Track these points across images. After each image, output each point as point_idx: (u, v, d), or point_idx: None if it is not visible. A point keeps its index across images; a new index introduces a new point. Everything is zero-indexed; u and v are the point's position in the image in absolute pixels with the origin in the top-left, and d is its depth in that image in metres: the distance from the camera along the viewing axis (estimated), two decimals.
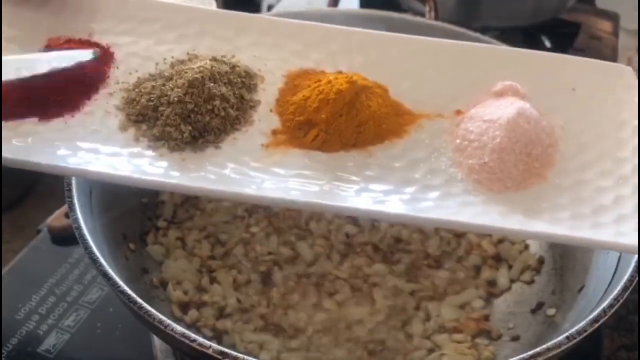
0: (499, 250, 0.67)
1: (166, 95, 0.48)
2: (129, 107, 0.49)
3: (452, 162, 0.47)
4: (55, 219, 0.74)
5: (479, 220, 0.43)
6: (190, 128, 0.47)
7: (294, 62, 0.53)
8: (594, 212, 0.44)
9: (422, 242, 0.67)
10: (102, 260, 0.48)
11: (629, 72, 0.52)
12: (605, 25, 1.21)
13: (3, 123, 0.45)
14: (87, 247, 0.49)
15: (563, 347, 0.44)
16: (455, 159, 0.47)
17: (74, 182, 0.53)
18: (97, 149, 0.46)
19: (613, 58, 1.15)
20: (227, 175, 0.45)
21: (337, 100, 0.48)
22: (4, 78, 0.44)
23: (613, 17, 1.25)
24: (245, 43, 0.54)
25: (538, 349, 0.44)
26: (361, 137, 0.48)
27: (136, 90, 0.50)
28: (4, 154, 0.44)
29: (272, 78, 0.52)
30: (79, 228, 0.50)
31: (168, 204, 0.68)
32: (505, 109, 0.47)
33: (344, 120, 0.48)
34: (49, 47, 0.51)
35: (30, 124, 0.47)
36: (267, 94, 0.51)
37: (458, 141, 0.48)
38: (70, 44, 0.52)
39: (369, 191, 0.45)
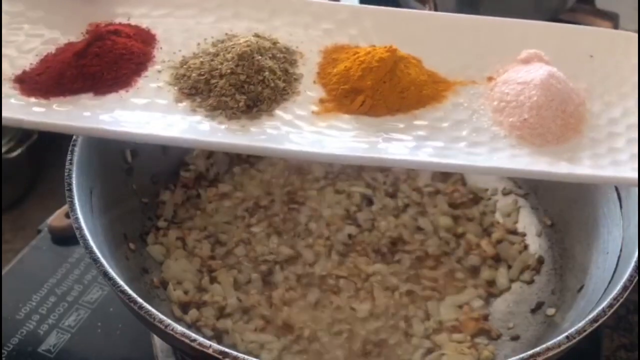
0: (498, 251, 0.67)
1: (217, 69, 0.51)
2: (181, 82, 0.52)
3: (494, 122, 0.51)
4: (56, 218, 0.74)
5: (533, 167, 0.47)
6: (245, 97, 0.50)
7: (328, 39, 0.57)
8: (630, 159, 0.48)
9: (421, 242, 0.67)
10: (102, 260, 0.48)
11: (635, 37, 0.56)
12: (605, 26, 1.21)
13: (63, 98, 0.50)
14: (87, 247, 0.49)
15: (563, 347, 0.45)
16: (496, 118, 0.51)
17: (74, 182, 0.53)
18: (160, 118, 0.49)
19: None
20: (288, 136, 0.49)
21: (380, 68, 0.51)
22: None
23: (613, 18, 1.25)
24: (280, 24, 0.57)
25: (538, 349, 0.44)
26: (405, 102, 0.51)
27: (184, 67, 0.53)
28: (74, 124, 0.48)
29: (310, 54, 0.56)
30: (79, 228, 0.50)
31: (168, 204, 0.68)
32: (536, 72, 0.51)
33: (388, 87, 0.51)
34: (90, 32, 0.55)
35: (88, 99, 0.50)
36: (307, 68, 0.55)
37: (495, 103, 0.52)
38: (111, 27, 0.55)
39: (424, 147, 0.49)
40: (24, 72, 0.52)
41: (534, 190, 0.71)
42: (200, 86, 0.51)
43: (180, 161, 0.72)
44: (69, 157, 0.55)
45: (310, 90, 0.53)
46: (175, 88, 0.52)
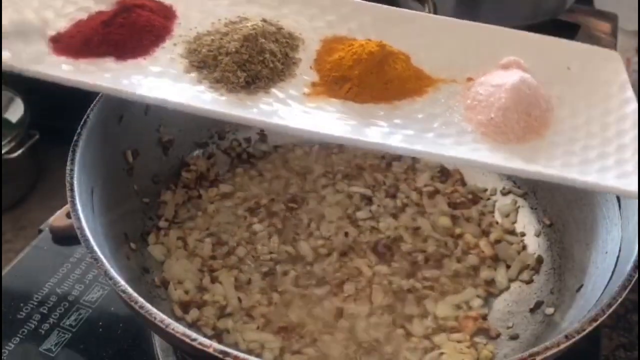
0: (496, 251, 0.67)
1: (224, 47, 0.56)
2: (192, 56, 0.57)
3: (464, 118, 0.55)
4: (57, 218, 0.74)
5: (488, 160, 0.51)
6: (245, 74, 0.55)
7: (329, 30, 0.61)
8: (580, 163, 0.51)
9: (421, 242, 0.67)
10: (103, 259, 0.48)
11: (616, 56, 0.61)
12: (604, 26, 1.22)
13: (89, 60, 0.55)
14: (88, 247, 0.49)
15: (562, 346, 0.45)
16: (467, 115, 0.55)
17: (75, 182, 0.53)
18: (169, 85, 0.54)
19: None
20: (277, 112, 0.53)
21: (368, 60, 0.56)
22: None
23: (612, 18, 1.25)
24: (288, 12, 0.62)
25: (537, 348, 0.44)
26: (388, 92, 0.56)
27: (197, 42, 0.58)
28: (96, 82, 0.53)
29: (311, 42, 0.60)
30: (80, 228, 0.50)
31: (169, 204, 0.69)
32: (510, 77, 0.55)
33: (374, 78, 0.56)
34: (118, 3, 0.59)
35: (110, 62, 0.55)
36: (306, 54, 0.59)
37: (469, 101, 0.56)
38: (137, 1, 0.59)
39: (397, 134, 0.52)
40: (58, 34, 0.57)
41: (533, 190, 0.71)
42: (209, 61, 0.56)
43: (181, 161, 0.72)
44: (70, 157, 0.55)
45: (305, 74, 0.57)
46: (187, 60, 0.56)
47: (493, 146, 0.52)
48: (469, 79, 0.58)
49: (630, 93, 0.57)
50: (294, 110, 0.53)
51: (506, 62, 0.58)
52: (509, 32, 0.62)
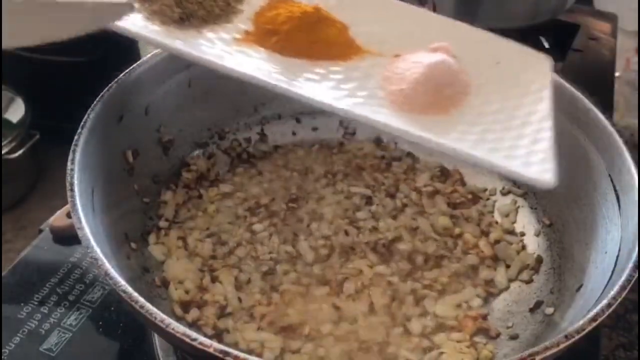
0: (495, 251, 0.67)
1: None
2: None
3: (378, 86, 0.57)
4: (57, 218, 0.74)
5: (382, 119, 0.53)
6: (179, 11, 0.58)
7: None
8: (475, 141, 0.54)
9: (420, 242, 0.67)
10: (104, 259, 0.48)
11: (546, 59, 0.64)
12: (604, 27, 1.22)
13: None
14: (89, 247, 0.49)
15: (561, 346, 0.45)
16: (382, 84, 0.57)
17: (75, 182, 0.53)
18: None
19: (611, 59, 1.15)
20: (200, 46, 0.56)
21: (301, 19, 0.59)
22: None
23: (611, 18, 1.25)
24: None
25: (536, 348, 0.44)
26: (312, 52, 0.58)
27: None
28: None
29: None
30: (80, 228, 0.50)
31: (170, 203, 0.69)
32: (432, 57, 0.58)
33: (302, 36, 0.59)
34: None
35: None
36: (251, 7, 0.62)
37: (388, 73, 0.58)
38: None
39: (308, 85, 0.55)
40: None
41: (532, 190, 0.71)
42: None
43: (181, 161, 0.72)
44: (70, 157, 0.55)
45: (242, 23, 0.60)
46: None
47: (395, 111, 0.54)
48: (396, 56, 0.60)
49: (547, 93, 0.59)
50: (217, 48, 0.56)
51: (436, 46, 0.60)
52: (452, 23, 0.65)
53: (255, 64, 0.56)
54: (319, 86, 0.55)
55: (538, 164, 0.53)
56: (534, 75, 0.62)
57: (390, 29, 0.63)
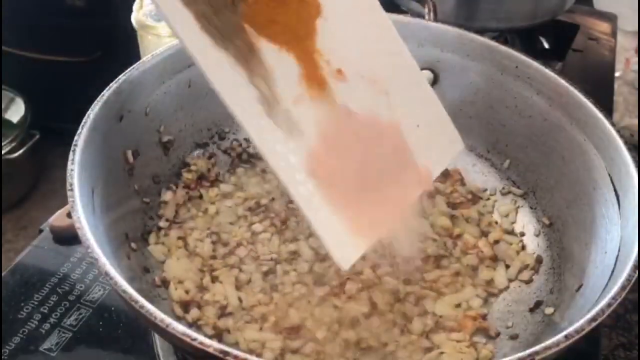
0: (495, 251, 0.67)
1: None
2: None
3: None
4: (58, 218, 0.74)
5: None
6: None
7: None
8: None
9: (421, 242, 0.67)
10: (104, 259, 0.48)
11: (460, 144, 0.62)
12: (604, 27, 1.22)
13: None
14: (89, 247, 0.49)
15: (561, 346, 0.45)
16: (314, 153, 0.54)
17: (76, 182, 0.53)
18: None
19: (611, 59, 1.15)
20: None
21: None
22: None
23: (611, 19, 1.25)
24: None
25: (536, 348, 0.44)
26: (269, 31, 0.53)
27: None
28: None
29: None
30: (81, 227, 0.50)
31: (170, 203, 0.69)
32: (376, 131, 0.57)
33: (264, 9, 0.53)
34: None
35: None
36: None
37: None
38: None
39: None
40: None
41: (532, 190, 0.71)
42: None
43: (181, 161, 0.72)
44: (70, 157, 0.55)
45: None
46: None
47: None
48: (338, 71, 0.55)
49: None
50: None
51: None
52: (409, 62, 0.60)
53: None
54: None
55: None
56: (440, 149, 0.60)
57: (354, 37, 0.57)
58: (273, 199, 0.70)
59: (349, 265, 0.53)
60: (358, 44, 0.57)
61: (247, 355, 0.42)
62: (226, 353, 0.42)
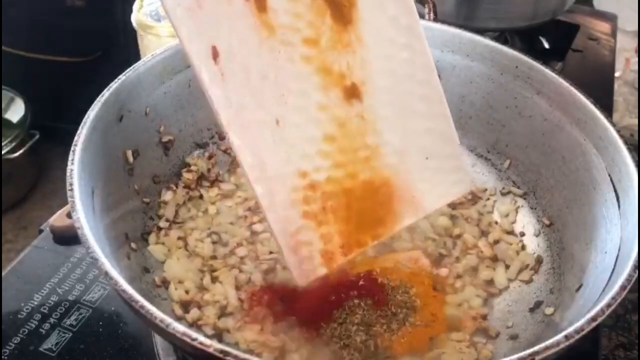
0: (495, 252, 0.67)
1: None
2: None
3: None
4: (58, 218, 0.74)
5: None
6: None
7: None
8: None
9: (420, 242, 0.67)
10: (104, 259, 0.48)
11: (468, 183, 0.62)
12: (604, 27, 1.22)
13: None
14: (89, 247, 0.49)
15: (561, 346, 0.45)
16: None
17: (76, 182, 0.53)
18: None
19: (611, 59, 1.15)
20: None
21: None
22: None
23: (611, 19, 1.25)
24: None
25: (536, 348, 0.44)
26: None
27: None
28: None
29: None
30: (81, 228, 0.50)
31: (170, 204, 0.69)
32: None
33: None
34: None
35: None
36: None
37: None
38: None
39: None
40: None
41: (532, 190, 0.71)
42: None
43: (181, 161, 0.72)
44: (70, 157, 0.55)
45: None
46: None
47: None
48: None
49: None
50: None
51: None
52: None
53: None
54: None
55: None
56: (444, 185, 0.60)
57: None
58: None
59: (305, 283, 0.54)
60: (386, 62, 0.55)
61: (247, 356, 0.42)
62: (226, 353, 0.42)
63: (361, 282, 0.61)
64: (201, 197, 0.71)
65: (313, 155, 0.53)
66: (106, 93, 0.61)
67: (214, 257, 0.65)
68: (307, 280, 0.54)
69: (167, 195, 0.69)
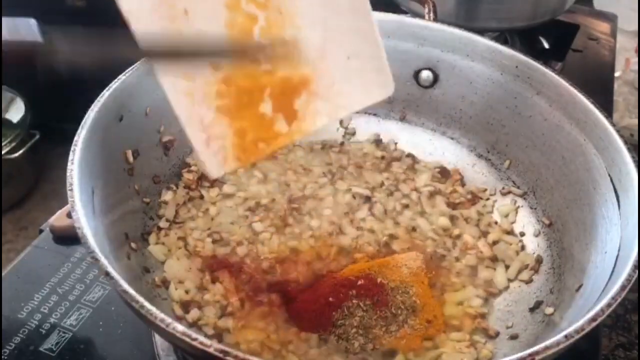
0: (495, 252, 0.67)
1: None
2: None
3: None
4: (58, 218, 0.74)
5: None
6: None
7: None
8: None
9: (420, 242, 0.67)
10: (104, 259, 0.48)
11: (391, 87, 0.57)
12: (603, 27, 1.22)
13: None
14: (89, 247, 0.49)
15: (561, 346, 0.45)
16: None
17: (76, 182, 0.53)
18: None
19: (611, 59, 1.15)
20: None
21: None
22: None
23: (611, 19, 1.25)
24: None
25: (536, 348, 0.44)
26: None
27: None
28: None
29: None
30: (81, 228, 0.50)
31: (170, 204, 0.69)
32: None
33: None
34: None
35: None
36: None
37: None
38: None
39: None
40: None
41: (532, 190, 0.71)
42: None
43: (181, 161, 0.72)
44: (70, 158, 0.55)
45: None
46: None
47: None
48: None
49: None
50: None
51: None
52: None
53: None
54: None
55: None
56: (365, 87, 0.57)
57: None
58: (273, 199, 0.70)
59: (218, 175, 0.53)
60: None
61: (248, 356, 0.42)
62: (226, 353, 0.42)
63: (360, 282, 0.61)
64: (201, 197, 0.71)
65: None
66: (106, 93, 0.61)
67: (214, 257, 0.65)
68: (218, 173, 0.52)
69: (167, 195, 0.69)
